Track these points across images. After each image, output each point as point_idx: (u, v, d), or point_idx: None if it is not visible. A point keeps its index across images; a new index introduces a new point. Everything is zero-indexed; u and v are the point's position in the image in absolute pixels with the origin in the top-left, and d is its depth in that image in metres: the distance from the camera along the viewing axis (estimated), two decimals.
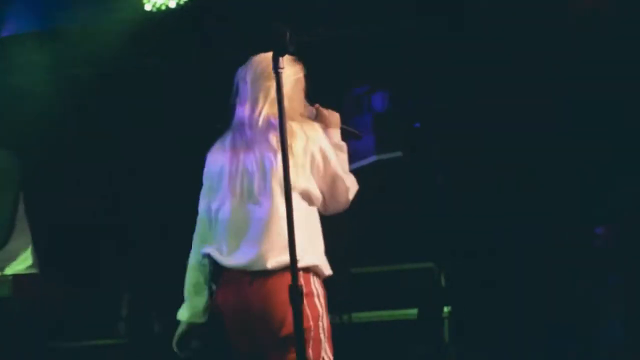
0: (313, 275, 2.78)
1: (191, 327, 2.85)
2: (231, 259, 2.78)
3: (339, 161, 2.91)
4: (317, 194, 2.83)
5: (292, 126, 2.78)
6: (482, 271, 4.69)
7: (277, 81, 2.54)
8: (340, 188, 2.89)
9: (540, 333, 4.77)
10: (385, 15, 4.75)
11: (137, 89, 5.42)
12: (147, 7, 5.04)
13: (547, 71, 4.71)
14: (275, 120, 2.75)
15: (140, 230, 5.91)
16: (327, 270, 2.84)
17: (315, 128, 2.88)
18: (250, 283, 2.75)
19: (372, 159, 4.77)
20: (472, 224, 4.73)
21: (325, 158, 2.84)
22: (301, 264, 2.65)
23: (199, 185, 3.09)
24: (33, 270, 3.74)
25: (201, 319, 2.84)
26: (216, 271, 2.83)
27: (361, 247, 5.04)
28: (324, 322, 2.77)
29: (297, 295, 2.46)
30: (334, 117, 3.05)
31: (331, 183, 2.87)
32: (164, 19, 4.93)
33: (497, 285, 4.74)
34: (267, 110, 2.84)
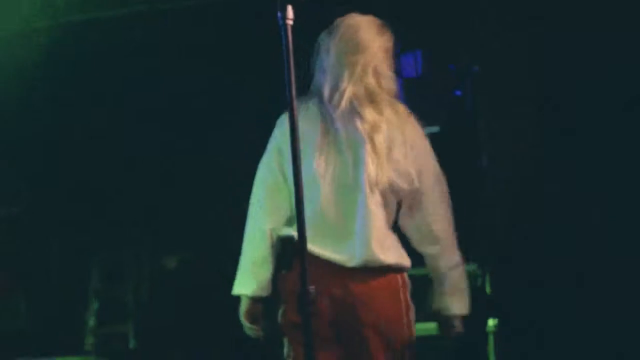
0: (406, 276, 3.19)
1: (256, 300, 3.17)
2: (323, 250, 3.08)
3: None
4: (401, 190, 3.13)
5: (376, 119, 3.09)
6: (535, 276, 4.68)
7: (284, 35, 2.69)
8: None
9: (601, 350, 4.68)
10: None
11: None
12: None
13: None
14: (358, 103, 3.09)
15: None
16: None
17: (408, 120, 3.17)
18: (347, 277, 3.08)
19: None
20: (524, 216, 4.76)
21: (419, 156, 3.15)
22: (403, 264, 3.15)
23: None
24: None
25: (266, 292, 3.17)
26: (287, 253, 3.18)
27: None
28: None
29: (307, 304, 2.65)
30: None
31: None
32: None
33: (553, 292, 4.65)
34: (350, 90, 3.12)
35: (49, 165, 6.13)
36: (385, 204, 3.13)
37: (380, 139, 3.09)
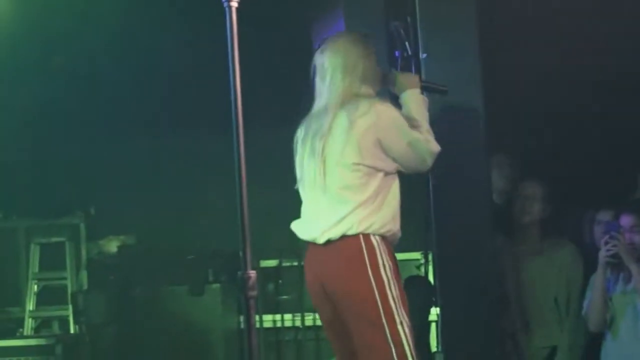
0: (378, 243, 3.61)
1: None
2: (304, 233, 3.74)
3: (411, 127, 3.65)
4: (378, 165, 3.60)
5: (338, 111, 3.61)
6: (478, 265, 4.61)
7: (228, 18, 2.89)
8: (413, 155, 3.66)
9: None
10: None
11: None
12: None
13: None
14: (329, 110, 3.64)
15: None
16: (392, 229, 3.67)
17: (377, 110, 3.59)
18: (317, 254, 3.69)
19: None
20: (467, 205, 4.63)
21: (388, 137, 3.60)
22: (353, 230, 3.56)
23: None
24: None
25: None
26: None
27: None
28: (392, 290, 3.57)
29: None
30: (412, 78, 3.86)
31: (404, 154, 3.65)
32: None
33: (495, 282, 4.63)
34: (332, 99, 3.65)
35: None
36: (352, 180, 3.59)
37: (339, 128, 3.59)
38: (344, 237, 3.59)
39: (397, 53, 4.50)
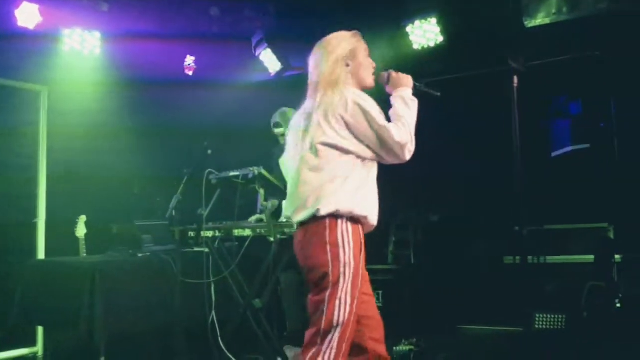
0: (340, 221, 3.69)
1: None
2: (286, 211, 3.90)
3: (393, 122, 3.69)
4: (347, 147, 3.69)
5: (318, 95, 3.80)
6: None
7: None
8: (382, 143, 3.72)
9: None
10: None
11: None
12: (415, 46, 7.17)
13: None
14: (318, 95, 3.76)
15: None
16: (361, 212, 3.70)
17: (344, 94, 3.68)
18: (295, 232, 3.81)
19: (568, 149, 6.91)
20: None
21: (358, 116, 3.67)
22: (322, 212, 3.63)
23: None
24: None
25: None
26: None
27: (556, 209, 7.12)
28: (347, 269, 3.62)
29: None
30: (405, 79, 3.94)
31: (373, 141, 3.72)
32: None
33: None
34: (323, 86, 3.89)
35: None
36: (326, 159, 3.66)
37: (324, 109, 3.69)
38: (313, 218, 3.66)
39: None
